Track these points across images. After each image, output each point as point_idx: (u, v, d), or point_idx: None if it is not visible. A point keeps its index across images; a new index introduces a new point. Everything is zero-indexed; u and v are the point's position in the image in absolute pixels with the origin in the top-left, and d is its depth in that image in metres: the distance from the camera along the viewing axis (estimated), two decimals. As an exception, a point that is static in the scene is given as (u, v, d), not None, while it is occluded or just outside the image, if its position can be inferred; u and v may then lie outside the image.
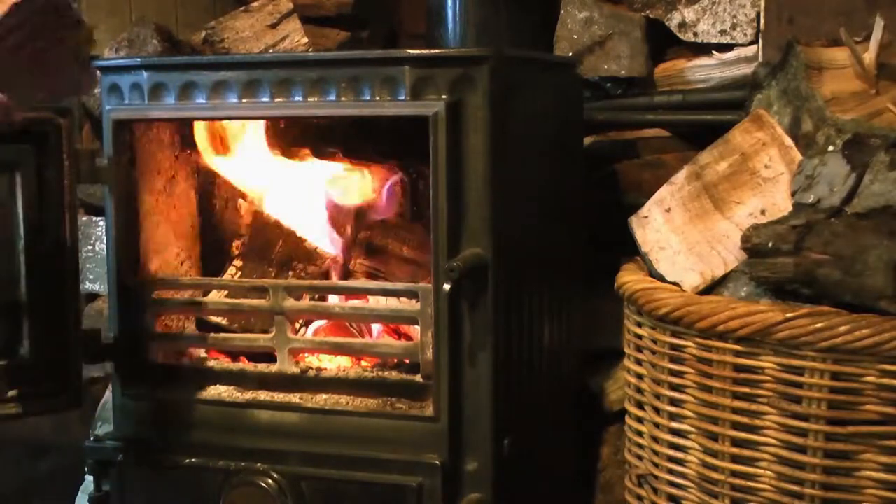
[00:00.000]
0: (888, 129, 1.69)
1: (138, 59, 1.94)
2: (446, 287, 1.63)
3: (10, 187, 1.79)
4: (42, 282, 1.81)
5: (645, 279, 1.77)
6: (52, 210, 1.82)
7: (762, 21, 2.13)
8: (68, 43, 1.42)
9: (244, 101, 1.75)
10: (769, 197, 1.73)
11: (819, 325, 1.51)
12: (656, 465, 1.76)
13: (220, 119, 1.93)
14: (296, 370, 1.79)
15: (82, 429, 2.44)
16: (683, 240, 1.76)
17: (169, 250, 1.95)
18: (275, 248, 2.01)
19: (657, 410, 1.74)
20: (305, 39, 2.31)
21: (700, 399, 1.65)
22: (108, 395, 2.30)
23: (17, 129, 1.49)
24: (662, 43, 2.25)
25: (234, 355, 1.93)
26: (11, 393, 1.81)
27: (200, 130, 1.96)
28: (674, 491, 1.73)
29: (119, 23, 2.40)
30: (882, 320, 1.50)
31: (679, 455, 1.71)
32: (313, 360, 1.87)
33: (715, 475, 1.65)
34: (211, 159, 1.99)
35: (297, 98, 1.73)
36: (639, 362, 1.79)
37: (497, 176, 1.66)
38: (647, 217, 1.84)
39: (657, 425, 1.75)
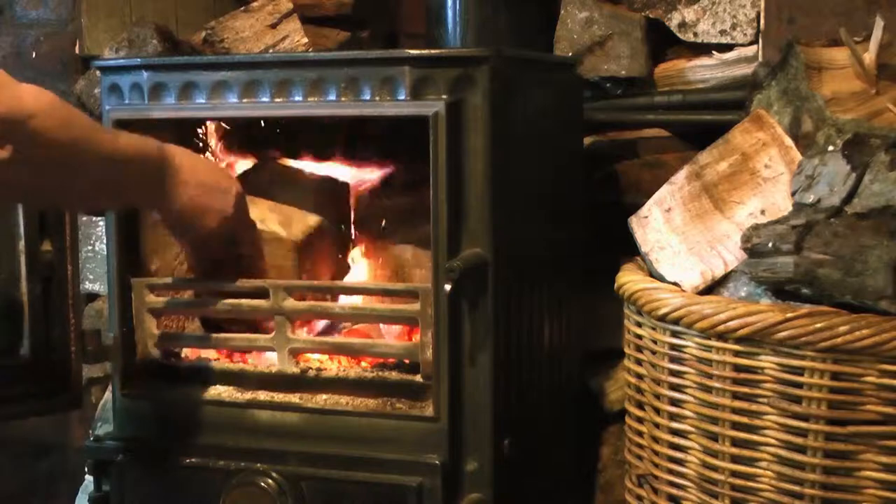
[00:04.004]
0: (888, 129, 1.69)
1: (138, 59, 1.94)
2: (446, 287, 1.63)
3: (11, 187, 1.79)
4: (42, 282, 1.81)
5: (645, 279, 1.77)
6: (52, 210, 1.82)
7: (762, 21, 2.13)
8: None
9: (244, 101, 1.75)
10: (769, 197, 1.73)
11: (819, 325, 1.51)
12: (656, 465, 1.76)
13: (221, 119, 1.93)
14: (296, 370, 1.79)
15: (82, 429, 2.44)
16: (683, 240, 1.76)
17: (169, 250, 1.95)
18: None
19: (657, 410, 1.74)
20: (305, 39, 2.31)
21: (700, 399, 1.65)
22: (108, 395, 2.30)
23: None
24: (662, 43, 2.25)
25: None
26: (11, 393, 1.81)
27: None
28: (674, 491, 1.73)
29: (119, 23, 2.40)
30: (882, 320, 1.50)
31: (679, 455, 1.71)
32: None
33: (715, 475, 1.65)
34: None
35: (297, 98, 1.72)
36: (639, 362, 1.79)
37: (497, 176, 1.66)
38: (647, 217, 1.84)
39: (657, 425, 1.75)
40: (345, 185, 2.02)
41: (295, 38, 2.30)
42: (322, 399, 1.77)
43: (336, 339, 1.92)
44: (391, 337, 1.94)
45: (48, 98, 1.38)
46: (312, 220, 1.90)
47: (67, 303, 1.84)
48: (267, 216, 1.86)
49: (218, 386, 1.84)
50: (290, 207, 1.90)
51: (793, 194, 1.70)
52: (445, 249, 1.65)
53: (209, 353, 1.93)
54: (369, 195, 2.03)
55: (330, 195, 1.98)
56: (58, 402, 1.85)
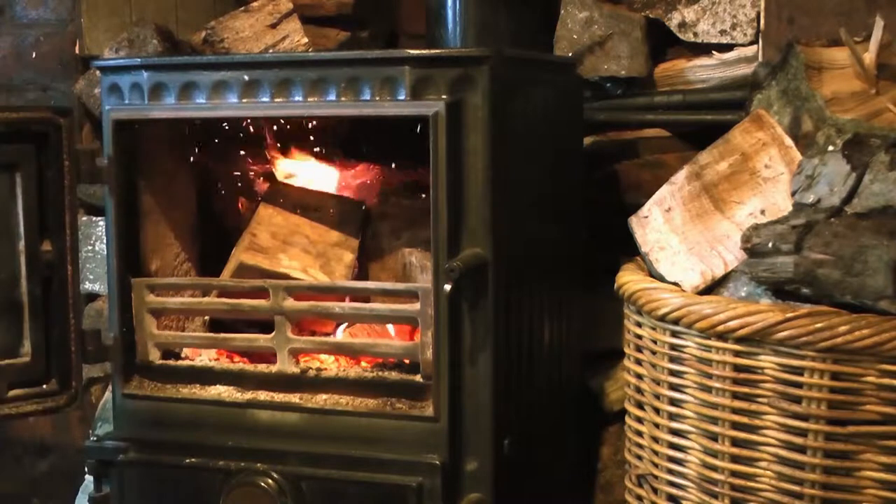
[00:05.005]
0: (888, 129, 1.69)
1: (138, 59, 1.94)
2: (446, 287, 1.63)
3: (10, 187, 1.79)
4: (42, 282, 1.81)
5: (645, 279, 1.77)
6: (52, 210, 1.82)
7: (762, 21, 2.13)
8: None
9: (244, 101, 1.75)
10: (769, 197, 1.73)
11: (819, 325, 1.51)
12: (656, 465, 1.76)
13: (221, 119, 1.93)
14: (296, 370, 1.79)
15: (82, 429, 2.44)
16: (683, 240, 1.76)
17: (169, 250, 1.95)
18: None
19: (657, 410, 1.74)
20: (305, 39, 2.31)
21: (700, 399, 1.65)
22: (108, 395, 2.30)
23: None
24: (662, 43, 2.25)
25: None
26: (12, 393, 1.81)
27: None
28: (674, 491, 1.73)
29: (119, 23, 2.40)
30: (882, 320, 1.50)
31: (679, 455, 1.71)
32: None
33: (715, 475, 1.65)
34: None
35: (297, 98, 1.72)
36: (639, 362, 1.79)
37: (497, 176, 1.66)
38: (647, 217, 1.84)
39: (657, 425, 1.75)
40: (360, 204, 2.03)
41: (295, 38, 2.30)
42: (322, 399, 1.77)
43: (336, 339, 1.92)
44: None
45: None
46: (348, 257, 1.97)
47: (67, 303, 1.83)
48: (309, 264, 1.91)
49: (218, 386, 1.84)
50: (322, 243, 1.96)
51: (793, 194, 1.70)
52: (445, 250, 1.65)
53: (209, 353, 1.93)
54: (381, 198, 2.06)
55: (348, 215, 2.01)
56: (58, 402, 1.85)
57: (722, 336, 1.60)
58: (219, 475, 1.76)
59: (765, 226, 1.65)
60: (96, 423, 2.35)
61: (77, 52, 2.43)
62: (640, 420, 1.81)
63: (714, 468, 1.65)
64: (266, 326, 1.84)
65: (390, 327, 1.94)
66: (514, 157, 1.73)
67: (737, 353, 1.59)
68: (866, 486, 1.54)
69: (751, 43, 2.16)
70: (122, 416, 1.88)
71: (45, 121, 1.80)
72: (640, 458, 1.82)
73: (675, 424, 1.71)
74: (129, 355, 1.86)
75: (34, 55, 2.47)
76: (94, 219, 2.39)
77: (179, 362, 1.91)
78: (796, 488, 1.57)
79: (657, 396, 1.74)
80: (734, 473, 1.63)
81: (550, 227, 1.93)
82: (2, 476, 2.56)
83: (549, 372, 1.93)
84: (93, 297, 2.42)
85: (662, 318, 1.68)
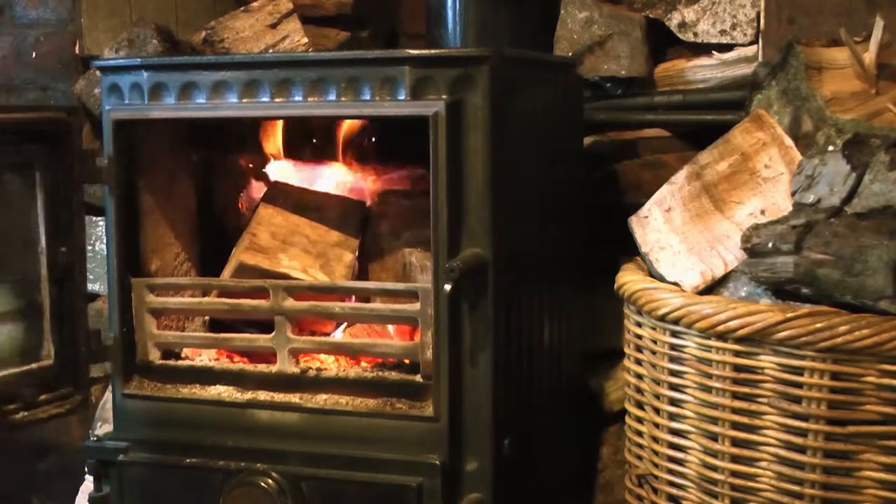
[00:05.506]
0: (888, 129, 1.70)
1: (138, 59, 1.94)
2: (446, 287, 1.63)
3: (29, 187, 1.78)
4: (60, 283, 1.80)
5: (645, 279, 1.78)
6: (67, 210, 1.80)
7: (762, 21, 2.13)
8: None
9: (244, 101, 1.75)
10: (769, 197, 1.73)
11: (819, 325, 1.51)
12: (656, 465, 1.76)
13: (221, 119, 1.93)
14: (296, 370, 1.79)
15: (82, 429, 2.44)
16: (683, 240, 1.76)
17: (169, 250, 1.95)
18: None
19: (657, 410, 1.74)
20: (305, 39, 2.31)
21: (700, 399, 1.65)
22: (108, 395, 2.30)
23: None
24: (662, 43, 2.25)
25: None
26: (35, 398, 1.80)
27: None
28: (674, 491, 1.73)
29: (119, 23, 2.40)
30: (882, 320, 1.50)
31: (679, 455, 1.71)
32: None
33: (715, 475, 1.65)
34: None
35: (296, 98, 1.72)
36: (639, 362, 1.79)
37: (497, 176, 1.66)
38: (647, 217, 1.84)
39: (657, 425, 1.75)
40: (361, 204, 2.03)
41: (295, 38, 2.30)
42: (322, 399, 1.77)
43: (336, 339, 1.92)
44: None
45: None
46: (348, 257, 1.96)
47: (78, 304, 1.83)
48: (309, 264, 1.91)
49: (218, 386, 1.84)
50: (322, 243, 1.96)
51: (793, 194, 1.70)
52: (445, 250, 1.65)
53: (209, 353, 1.93)
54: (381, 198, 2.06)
55: (348, 215, 2.02)
56: (72, 404, 1.84)
57: (722, 336, 1.60)
58: (219, 475, 1.76)
59: (765, 226, 1.65)
60: (96, 423, 2.35)
61: (77, 52, 2.43)
62: (640, 420, 1.81)
63: (714, 468, 1.65)
64: (266, 326, 1.84)
65: (390, 327, 1.94)
66: (514, 157, 1.73)
67: (737, 353, 1.59)
68: (866, 486, 1.55)
69: (751, 43, 2.16)
70: (122, 416, 1.87)
71: (56, 121, 1.79)
72: (640, 458, 1.82)
73: (675, 424, 1.71)
74: (129, 355, 1.86)
75: (34, 55, 2.47)
76: (94, 219, 2.39)
77: (179, 362, 1.91)
78: (796, 488, 1.57)
79: (657, 396, 1.74)
80: (734, 473, 1.63)
81: (550, 227, 1.93)
82: (2, 476, 2.56)
83: (549, 372, 1.93)
84: (93, 297, 2.42)
85: (662, 318, 1.68)
